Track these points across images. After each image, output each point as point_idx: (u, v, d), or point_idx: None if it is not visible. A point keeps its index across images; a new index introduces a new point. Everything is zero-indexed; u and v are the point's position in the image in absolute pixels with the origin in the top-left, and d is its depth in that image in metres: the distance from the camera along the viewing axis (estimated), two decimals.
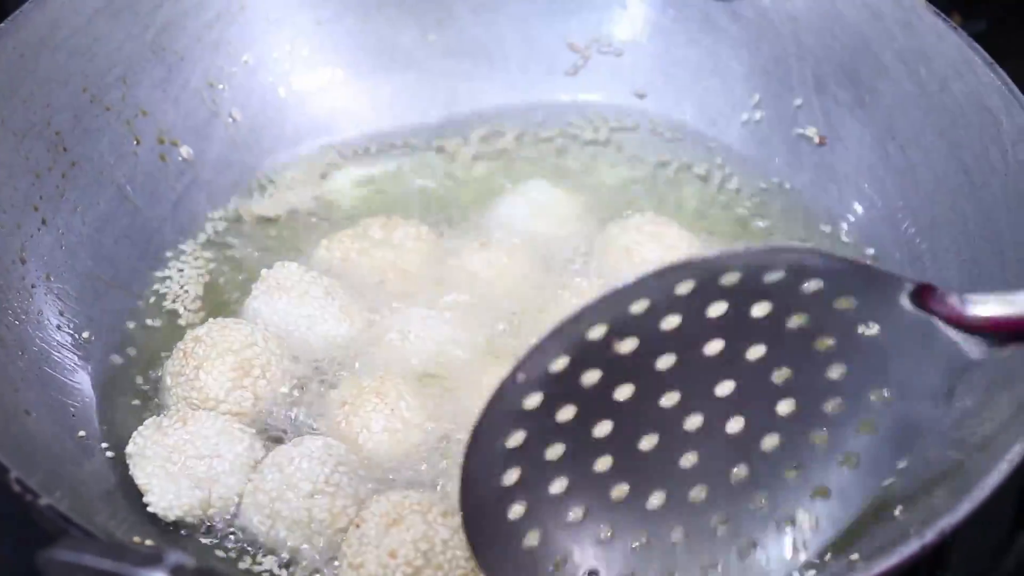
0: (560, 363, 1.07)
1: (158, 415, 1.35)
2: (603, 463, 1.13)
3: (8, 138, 1.41)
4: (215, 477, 1.29)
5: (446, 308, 1.47)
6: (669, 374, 1.11)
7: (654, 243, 1.52)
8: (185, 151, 1.59)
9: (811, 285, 1.09)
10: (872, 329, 1.13)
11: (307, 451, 1.28)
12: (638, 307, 1.06)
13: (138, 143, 1.55)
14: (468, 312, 1.47)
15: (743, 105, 1.66)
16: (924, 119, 1.51)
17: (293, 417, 1.37)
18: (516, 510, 1.13)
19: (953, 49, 1.48)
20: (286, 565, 1.26)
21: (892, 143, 1.54)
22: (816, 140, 1.62)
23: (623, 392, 1.10)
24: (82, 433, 1.34)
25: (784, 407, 1.15)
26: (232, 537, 1.28)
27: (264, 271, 1.47)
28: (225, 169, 1.61)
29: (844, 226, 1.57)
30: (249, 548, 1.28)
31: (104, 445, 1.35)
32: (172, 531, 1.28)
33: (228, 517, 1.29)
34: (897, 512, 1.24)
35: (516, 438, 1.09)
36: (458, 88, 1.71)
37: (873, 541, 1.19)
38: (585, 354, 1.07)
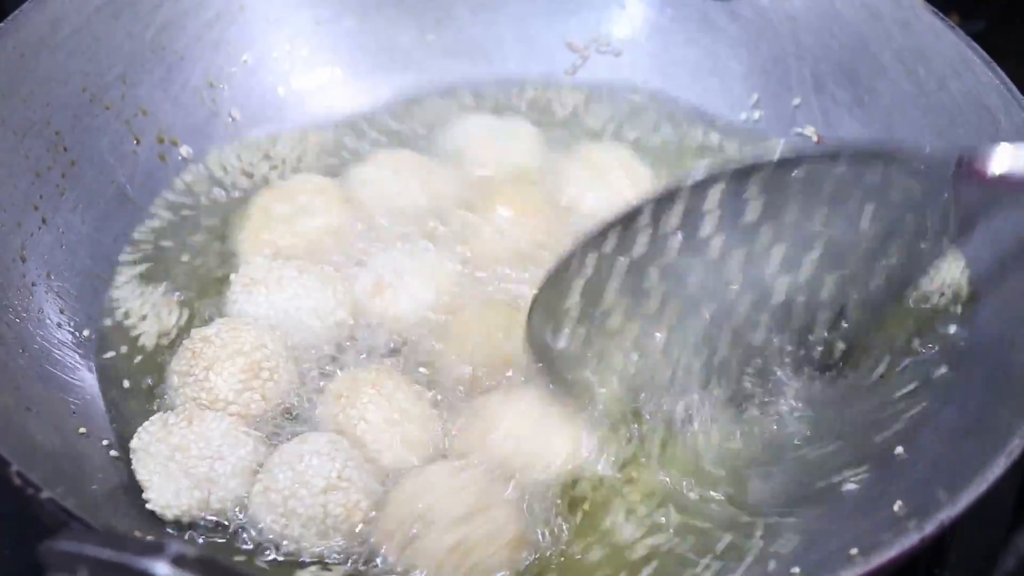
0: (612, 241, 1.27)
1: (164, 412, 1.35)
2: (655, 300, 1.31)
3: (8, 137, 1.42)
4: (215, 479, 1.29)
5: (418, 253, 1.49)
6: (713, 234, 1.28)
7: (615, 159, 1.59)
8: (185, 150, 1.59)
9: (839, 168, 1.27)
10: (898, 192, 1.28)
11: (315, 448, 1.28)
12: (683, 194, 1.26)
13: (138, 142, 1.55)
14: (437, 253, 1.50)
15: (742, 104, 1.67)
16: (922, 118, 1.51)
17: (298, 415, 1.37)
18: (575, 344, 1.32)
19: (951, 48, 1.48)
20: (301, 561, 1.27)
21: None
22: (815, 139, 1.62)
23: (673, 244, 1.28)
24: (83, 430, 1.33)
25: (817, 251, 1.30)
26: (244, 536, 1.29)
27: (232, 275, 1.46)
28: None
29: None
30: (263, 547, 1.28)
31: (105, 442, 1.35)
32: (179, 529, 1.29)
33: (238, 517, 1.29)
34: (896, 507, 1.24)
35: (576, 290, 1.29)
36: (457, 87, 1.72)
37: (873, 535, 1.20)
38: (635, 230, 1.27)
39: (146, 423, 1.32)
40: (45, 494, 1.12)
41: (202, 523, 1.29)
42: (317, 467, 1.27)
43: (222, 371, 1.35)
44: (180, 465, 1.29)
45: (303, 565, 1.26)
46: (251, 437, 1.32)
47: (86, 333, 1.42)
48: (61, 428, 1.32)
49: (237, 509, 1.29)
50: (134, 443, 1.31)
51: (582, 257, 1.27)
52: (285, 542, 1.27)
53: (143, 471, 1.29)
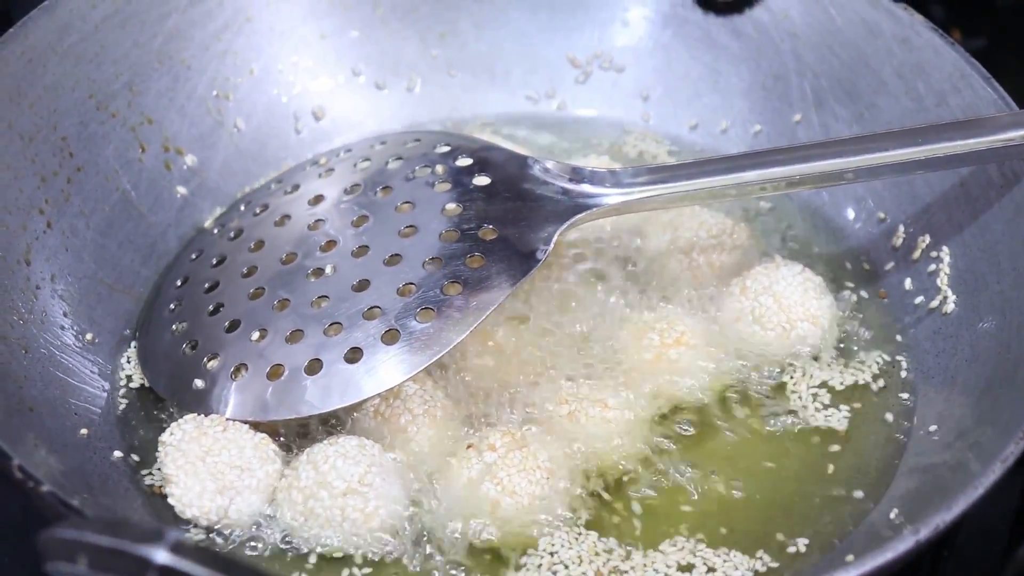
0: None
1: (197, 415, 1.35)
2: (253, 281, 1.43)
3: (15, 141, 1.43)
4: (239, 490, 1.29)
5: None
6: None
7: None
8: (190, 159, 1.60)
9: (462, 161, 1.45)
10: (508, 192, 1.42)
11: (342, 450, 1.28)
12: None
13: (143, 150, 1.56)
14: None
15: (743, 120, 1.68)
16: None
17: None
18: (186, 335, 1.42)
19: (950, 64, 1.49)
20: (316, 560, 1.27)
21: None
22: None
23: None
24: (84, 432, 1.34)
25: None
26: (262, 533, 1.29)
27: None
28: (229, 177, 1.62)
29: (842, 235, 1.58)
30: (283, 545, 1.28)
31: (105, 444, 1.35)
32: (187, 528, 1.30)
33: (247, 526, 1.30)
34: (893, 515, 1.25)
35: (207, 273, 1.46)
36: (460, 101, 1.73)
37: (870, 543, 1.20)
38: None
39: (180, 420, 1.33)
40: (46, 487, 1.12)
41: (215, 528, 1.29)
42: (341, 469, 1.27)
43: None
44: (209, 468, 1.29)
45: (313, 560, 1.27)
46: (279, 457, 1.33)
47: (89, 336, 1.43)
48: (62, 430, 1.33)
49: (241, 531, 1.29)
50: (165, 437, 1.32)
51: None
52: (301, 540, 1.28)
53: (171, 465, 1.29)
